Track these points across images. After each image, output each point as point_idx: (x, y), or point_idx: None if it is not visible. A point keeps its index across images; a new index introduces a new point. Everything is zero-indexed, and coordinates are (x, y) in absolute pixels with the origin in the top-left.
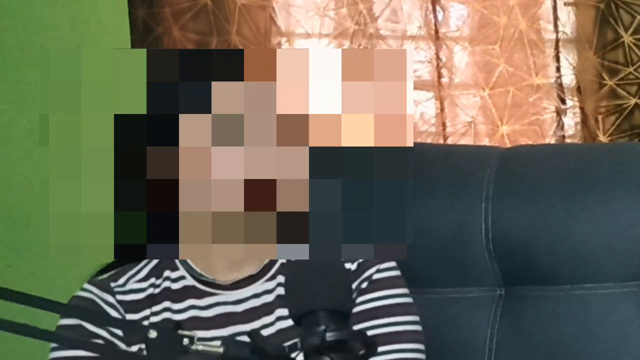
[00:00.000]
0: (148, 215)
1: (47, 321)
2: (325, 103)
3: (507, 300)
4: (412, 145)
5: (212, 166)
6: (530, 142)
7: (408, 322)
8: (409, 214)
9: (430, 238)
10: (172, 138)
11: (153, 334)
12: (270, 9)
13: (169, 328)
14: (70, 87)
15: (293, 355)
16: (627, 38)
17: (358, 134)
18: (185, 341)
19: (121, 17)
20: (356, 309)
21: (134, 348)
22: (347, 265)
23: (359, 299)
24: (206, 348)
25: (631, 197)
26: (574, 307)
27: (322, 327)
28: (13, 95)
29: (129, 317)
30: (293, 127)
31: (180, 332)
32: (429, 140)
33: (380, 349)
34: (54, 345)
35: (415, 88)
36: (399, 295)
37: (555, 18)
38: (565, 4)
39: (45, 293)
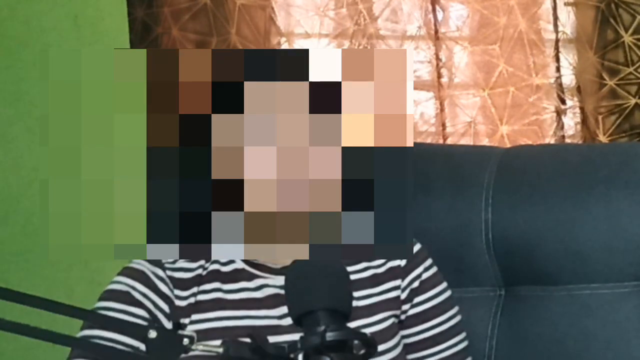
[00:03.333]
0: (180, 215)
1: (47, 321)
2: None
3: (507, 300)
4: (412, 145)
5: (212, 165)
6: (530, 142)
7: (454, 316)
8: (409, 214)
9: (430, 238)
10: (204, 138)
11: (153, 334)
12: (270, 9)
13: (169, 328)
14: (70, 87)
15: (293, 355)
16: (627, 38)
17: (358, 134)
18: (185, 341)
19: (120, 17)
20: (413, 311)
21: None
22: (396, 262)
23: (415, 300)
24: (206, 348)
25: (631, 197)
26: (574, 307)
27: (322, 327)
28: (13, 95)
29: (177, 292)
30: (293, 127)
31: (180, 332)
32: (428, 140)
33: (439, 347)
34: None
35: (415, 88)
36: (443, 290)
37: (555, 18)
38: (565, 4)
39: (45, 293)
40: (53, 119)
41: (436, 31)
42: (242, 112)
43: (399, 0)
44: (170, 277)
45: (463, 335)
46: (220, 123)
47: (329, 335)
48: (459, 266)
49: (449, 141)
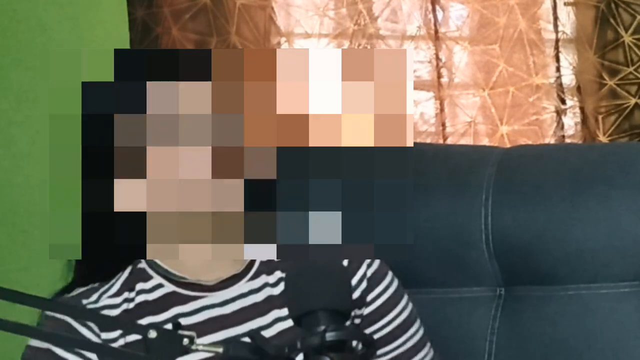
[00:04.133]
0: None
1: None
2: (325, 103)
3: (507, 300)
4: (412, 145)
5: (211, 165)
6: (530, 142)
7: (407, 303)
8: (409, 214)
9: (430, 238)
10: (172, 138)
11: (153, 334)
12: (270, 9)
13: (169, 328)
14: (70, 87)
15: (293, 355)
16: (627, 38)
17: (358, 134)
18: (185, 341)
19: (121, 17)
20: (367, 310)
21: None
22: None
23: (368, 298)
24: (206, 348)
25: (631, 197)
26: (574, 307)
27: (322, 327)
28: (13, 95)
29: (104, 336)
30: (293, 127)
31: (180, 332)
32: (428, 140)
33: (401, 339)
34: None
35: (415, 88)
36: (390, 283)
37: (555, 18)
38: (565, 3)
39: (46, 293)
40: (53, 119)
41: (436, 31)
42: (177, 112)
43: (398, 0)
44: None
45: (418, 322)
46: (188, 123)
47: (329, 336)
48: (459, 266)
49: (449, 141)
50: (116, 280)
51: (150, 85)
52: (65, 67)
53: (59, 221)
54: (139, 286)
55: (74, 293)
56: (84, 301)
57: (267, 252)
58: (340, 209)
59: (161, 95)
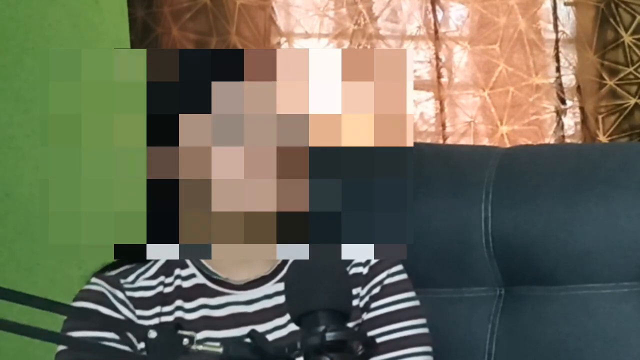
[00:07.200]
0: (148, 215)
1: (47, 321)
2: (325, 103)
3: (507, 300)
4: (412, 145)
5: (212, 166)
6: (530, 142)
7: (415, 326)
8: (409, 214)
9: (430, 238)
10: (172, 138)
11: (153, 334)
12: (270, 9)
13: (169, 328)
14: (70, 87)
15: (293, 355)
16: (627, 38)
17: (358, 134)
18: (185, 341)
19: (121, 17)
20: (368, 315)
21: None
22: (359, 270)
23: (372, 305)
24: (206, 348)
25: (631, 197)
26: (574, 307)
27: (322, 327)
28: (13, 95)
29: (139, 312)
30: (293, 127)
31: (180, 332)
32: (428, 140)
33: (390, 354)
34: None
35: (414, 88)
36: (407, 299)
37: (555, 18)
38: (565, 3)
39: (45, 293)
40: (53, 119)
41: (436, 31)
42: (210, 112)
43: (398, 0)
44: (130, 298)
45: (423, 349)
46: (188, 123)
47: (329, 336)
48: (459, 266)
49: (449, 141)
50: (153, 264)
51: (183, 86)
52: (65, 67)
53: (58, 221)
54: (177, 272)
55: (113, 273)
56: (122, 281)
57: (299, 252)
58: (340, 209)
59: (194, 96)
